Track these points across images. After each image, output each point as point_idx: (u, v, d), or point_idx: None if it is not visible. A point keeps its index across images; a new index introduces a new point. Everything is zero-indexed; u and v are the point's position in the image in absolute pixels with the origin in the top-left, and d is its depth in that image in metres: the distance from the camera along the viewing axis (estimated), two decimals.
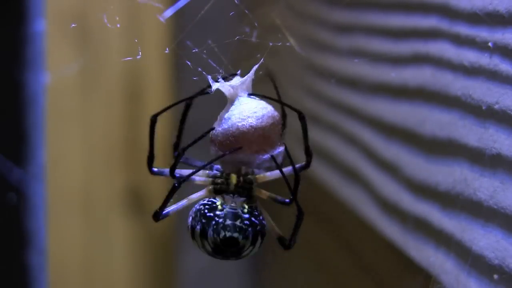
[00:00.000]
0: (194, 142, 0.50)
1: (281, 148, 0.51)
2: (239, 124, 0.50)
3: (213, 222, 0.50)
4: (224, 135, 0.50)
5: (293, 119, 0.52)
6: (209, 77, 0.51)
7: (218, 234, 0.49)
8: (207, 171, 0.52)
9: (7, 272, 0.93)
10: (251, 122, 0.50)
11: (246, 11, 0.56)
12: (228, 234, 0.49)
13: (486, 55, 0.50)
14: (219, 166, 0.52)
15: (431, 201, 0.57)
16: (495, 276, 0.47)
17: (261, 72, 0.52)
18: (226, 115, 0.50)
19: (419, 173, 0.59)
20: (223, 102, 0.52)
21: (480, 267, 0.49)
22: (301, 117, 0.50)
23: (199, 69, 0.51)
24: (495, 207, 0.48)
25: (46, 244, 0.93)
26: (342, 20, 0.75)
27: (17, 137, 0.90)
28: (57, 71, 1.13)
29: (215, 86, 0.51)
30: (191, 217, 0.51)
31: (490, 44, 0.49)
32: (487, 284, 0.48)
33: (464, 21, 0.53)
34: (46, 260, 0.94)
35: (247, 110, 0.50)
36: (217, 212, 0.50)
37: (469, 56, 0.52)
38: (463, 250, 0.51)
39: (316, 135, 0.84)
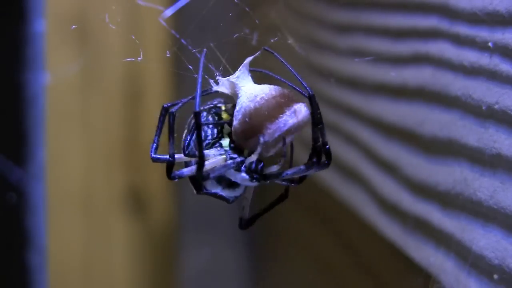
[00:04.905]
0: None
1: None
2: (251, 105, 0.49)
3: None
4: (241, 122, 0.49)
5: None
6: (211, 80, 0.50)
7: None
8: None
9: (7, 272, 0.93)
10: (262, 97, 0.49)
11: (247, 8, 0.56)
12: None
13: (486, 55, 0.50)
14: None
15: (431, 201, 0.57)
16: (495, 276, 0.47)
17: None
18: (236, 108, 0.49)
19: (419, 173, 0.59)
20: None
21: (480, 267, 0.49)
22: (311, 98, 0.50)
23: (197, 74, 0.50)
24: (495, 207, 0.48)
25: (46, 244, 0.93)
26: (342, 20, 0.75)
27: (17, 137, 0.90)
28: (57, 71, 1.13)
29: (219, 87, 0.50)
30: None
31: (490, 44, 0.49)
32: (487, 284, 0.48)
33: (464, 21, 0.53)
34: (46, 260, 0.94)
35: (254, 91, 0.49)
36: None
37: (469, 56, 0.52)
38: (463, 250, 0.51)
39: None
